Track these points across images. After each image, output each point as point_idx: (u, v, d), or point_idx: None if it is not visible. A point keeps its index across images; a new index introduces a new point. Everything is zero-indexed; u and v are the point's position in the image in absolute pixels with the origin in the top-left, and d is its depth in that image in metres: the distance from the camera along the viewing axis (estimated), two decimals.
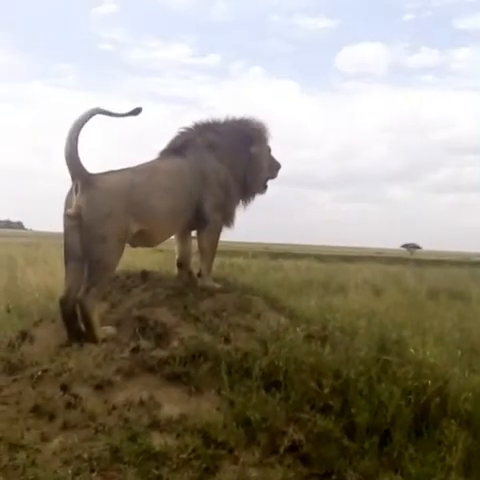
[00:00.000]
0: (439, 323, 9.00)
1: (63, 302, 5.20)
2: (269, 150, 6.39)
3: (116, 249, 5.26)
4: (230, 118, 6.21)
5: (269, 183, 6.49)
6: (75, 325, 5.18)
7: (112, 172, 5.39)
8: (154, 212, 5.46)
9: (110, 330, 5.20)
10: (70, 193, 5.21)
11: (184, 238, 6.23)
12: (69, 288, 5.20)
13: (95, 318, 5.13)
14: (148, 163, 5.82)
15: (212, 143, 6.03)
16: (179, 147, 5.99)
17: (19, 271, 12.28)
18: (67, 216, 5.13)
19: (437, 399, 4.54)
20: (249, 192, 6.33)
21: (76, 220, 5.07)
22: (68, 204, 5.18)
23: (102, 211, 5.09)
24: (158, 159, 6.00)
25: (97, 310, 5.20)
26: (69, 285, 5.21)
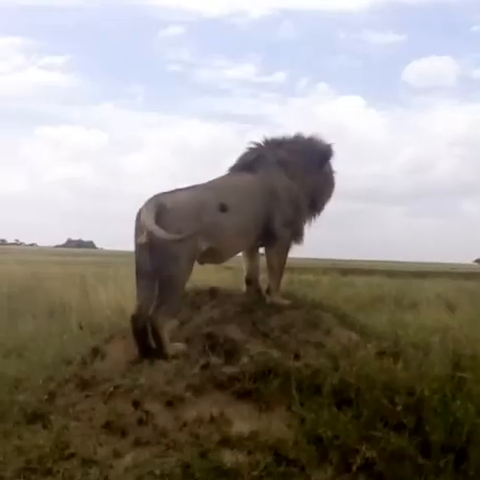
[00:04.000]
0: None
1: (134, 319, 5.24)
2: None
3: (186, 268, 5.30)
4: (299, 136, 6.19)
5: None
6: (146, 342, 5.21)
7: (180, 190, 5.43)
8: (223, 229, 5.46)
9: (180, 347, 5.22)
10: (139, 215, 5.28)
11: (252, 255, 6.21)
12: (140, 305, 5.25)
13: (165, 335, 5.16)
14: (217, 179, 5.84)
15: (283, 160, 6.00)
16: (250, 163, 5.99)
17: (90, 289, 12.50)
18: (140, 244, 5.19)
19: None
20: (316, 210, 6.31)
21: (148, 241, 5.11)
22: (140, 226, 5.23)
23: (173, 231, 5.11)
24: (228, 175, 6.01)
25: (167, 327, 5.23)
26: (140, 302, 5.26)
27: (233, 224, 5.54)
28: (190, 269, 5.36)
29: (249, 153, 6.09)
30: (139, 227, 5.22)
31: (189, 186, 5.55)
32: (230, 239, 5.60)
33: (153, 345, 5.18)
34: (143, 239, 5.13)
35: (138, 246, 5.23)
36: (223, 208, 5.29)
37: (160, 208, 5.18)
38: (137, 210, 5.30)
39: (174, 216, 5.18)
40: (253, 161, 6.00)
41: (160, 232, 5.02)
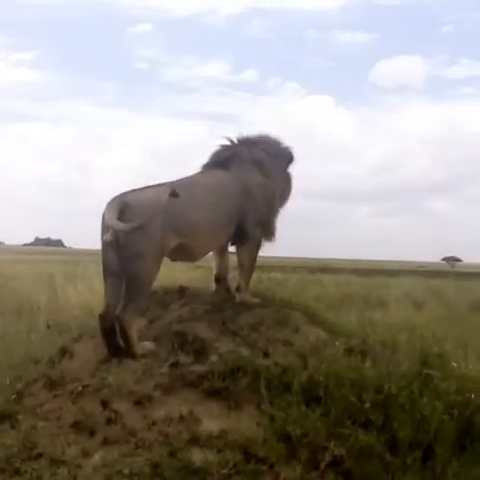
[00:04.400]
0: None
1: (102, 318, 5.21)
2: None
3: (153, 264, 5.27)
4: (269, 136, 6.23)
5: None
6: (114, 341, 5.18)
7: (148, 188, 5.39)
8: (193, 225, 5.42)
9: (149, 345, 5.20)
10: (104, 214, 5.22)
11: (222, 253, 6.20)
12: (108, 304, 5.21)
13: (133, 334, 5.14)
14: (188, 177, 5.82)
15: (258, 158, 6.03)
16: (224, 160, 5.98)
17: (59, 288, 12.43)
18: (106, 242, 5.15)
19: None
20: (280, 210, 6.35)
21: (113, 238, 5.08)
22: (105, 224, 5.19)
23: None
24: (200, 173, 5.99)
25: (135, 326, 5.22)
26: (108, 301, 5.23)
27: (204, 221, 5.52)
28: (157, 266, 5.32)
29: (223, 150, 6.07)
30: (105, 225, 5.19)
31: (159, 183, 5.53)
32: (201, 236, 5.55)
33: (122, 344, 5.16)
34: (108, 237, 5.09)
35: (104, 244, 5.20)
36: (174, 194, 5.20)
37: (123, 206, 5.14)
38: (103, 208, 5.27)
39: (137, 213, 5.12)
40: (227, 159, 5.99)
41: (119, 225, 5.00)
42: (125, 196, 5.23)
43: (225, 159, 5.97)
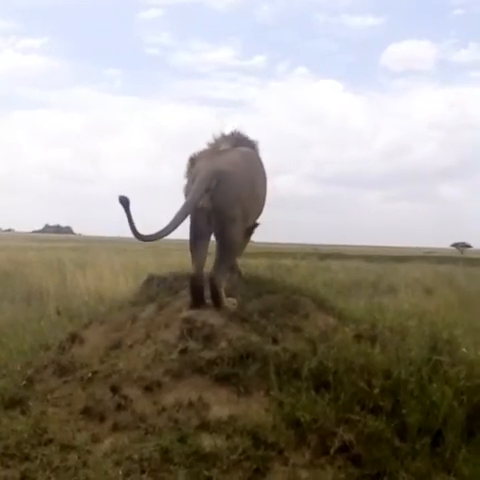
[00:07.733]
0: None
1: (195, 278, 5.39)
2: None
3: (242, 229, 5.58)
4: None
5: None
6: (201, 297, 5.40)
7: (225, 152, 5.62)
8: (256, 195, 5.74)
9: (233, 300, 5.45)
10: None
11: None
12: (199, 265, 5.41)
13: (222, 291, 5.37)
14: (241, 147, 5.93)
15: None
16: (249, 141, 6.11)
17: (69, 275, 12.46)
18: (199, 208, 5.26)
19: None
20: None
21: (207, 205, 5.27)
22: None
23: (231, 195, 5.33)
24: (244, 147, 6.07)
25: (224, 284, 5.43)
26: (199, 262, 5.43)
27: (260, 191, 5.88)
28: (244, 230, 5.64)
29: (245, 139, 6.12)
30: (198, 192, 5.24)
31: (222, 150, 5.73)
32: (259, 205, 5.90)
33: (206, 300, 5.40)
34: (203, 203, 5.25)
35: (196, 210, 5.29)
36: None
37: (220, 174, 5.29)
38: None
39: (233, 181, 5.34)
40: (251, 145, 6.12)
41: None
42: (217, 165, 5.38)
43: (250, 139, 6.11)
